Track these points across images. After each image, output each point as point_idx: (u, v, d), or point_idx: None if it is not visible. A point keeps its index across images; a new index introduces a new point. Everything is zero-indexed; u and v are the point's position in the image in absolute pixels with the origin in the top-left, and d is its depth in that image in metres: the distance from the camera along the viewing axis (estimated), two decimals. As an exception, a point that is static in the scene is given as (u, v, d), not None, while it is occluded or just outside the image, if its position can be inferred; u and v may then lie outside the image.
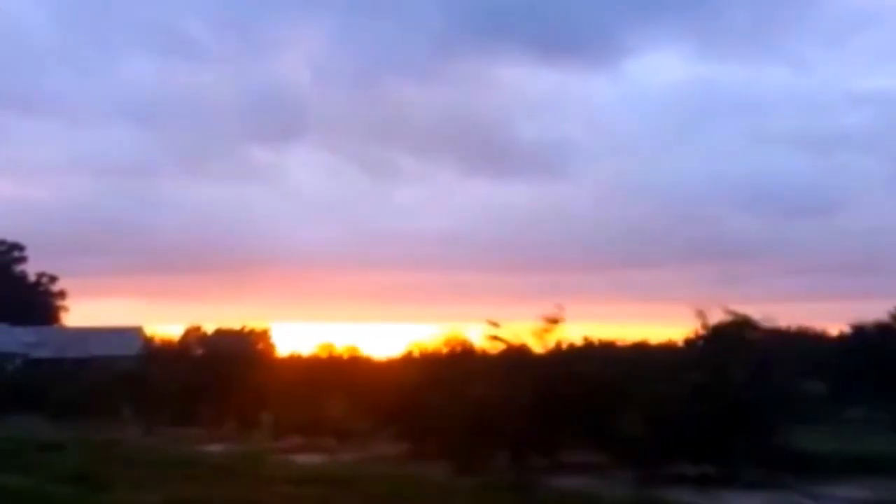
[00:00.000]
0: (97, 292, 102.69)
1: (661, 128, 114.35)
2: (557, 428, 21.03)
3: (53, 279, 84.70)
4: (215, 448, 27.26)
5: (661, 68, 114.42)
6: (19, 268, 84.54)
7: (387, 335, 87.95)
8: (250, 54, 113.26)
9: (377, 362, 42.39)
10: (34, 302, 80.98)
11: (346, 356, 40.51)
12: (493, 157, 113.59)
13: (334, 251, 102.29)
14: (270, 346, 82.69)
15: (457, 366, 24.99)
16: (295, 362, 39.76)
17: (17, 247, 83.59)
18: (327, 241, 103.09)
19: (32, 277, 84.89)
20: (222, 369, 33.04)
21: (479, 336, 34.11)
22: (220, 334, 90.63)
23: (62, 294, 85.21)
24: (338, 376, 35.70)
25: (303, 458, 24.05)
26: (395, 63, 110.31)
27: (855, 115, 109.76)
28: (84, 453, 26.11)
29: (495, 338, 22.56)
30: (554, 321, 22.04)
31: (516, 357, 21.99)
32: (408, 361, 35.12)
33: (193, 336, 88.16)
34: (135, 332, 76.23)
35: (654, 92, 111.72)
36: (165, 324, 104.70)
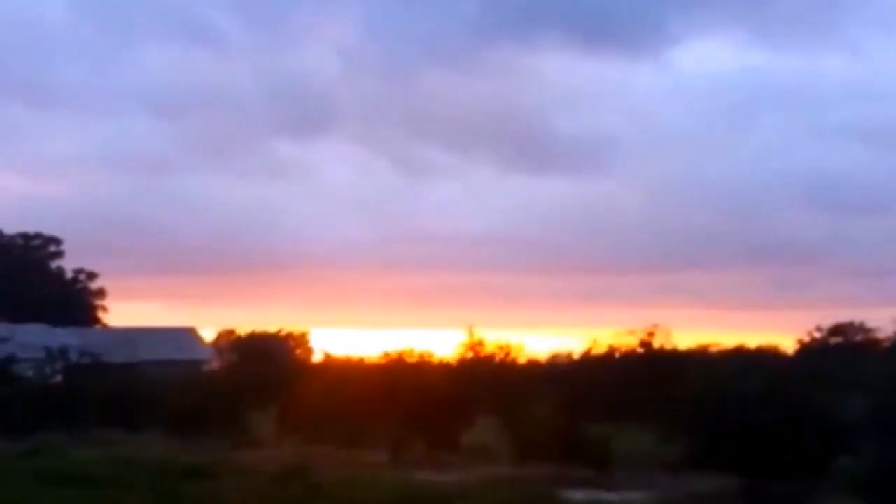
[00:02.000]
0: (116, 294, 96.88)
1: (711, 121, 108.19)
2: None
3: (92, 276, 77.53)
4: (430, 476, 20.34)
5: (709, 57, 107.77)
6: (55, 263, 77.38)
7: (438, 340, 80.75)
8: (277, 44, 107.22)
9: (544, 365, 35.79)
10: (73, 301, 73.88)
11: (500, 358, 33.67)
12: (532, 151, 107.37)
13: (364, 252, 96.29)
14: (309, 352, 76.59)
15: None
16: (442, 368, 32.67)
17: (54, 240, 76.45)
18: (357, 240, 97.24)
19: (69, 274, 77.73)
20: (398, 378, 26.03)
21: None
22: (256, 338, 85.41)
23: (101, 293, 78.06)
24: (523, 384, 29.00)
25: (593, 497, 17.17)
26: (428, 53, 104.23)
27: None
28: (270, 485, 19.24)
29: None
30: None
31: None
32: (599, 363, 28.64)
33: (226, 340, 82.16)
34: (188, 333, 69.68)
35: (703, 83, 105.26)
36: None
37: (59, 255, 77.51)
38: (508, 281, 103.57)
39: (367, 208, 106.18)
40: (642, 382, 23.08)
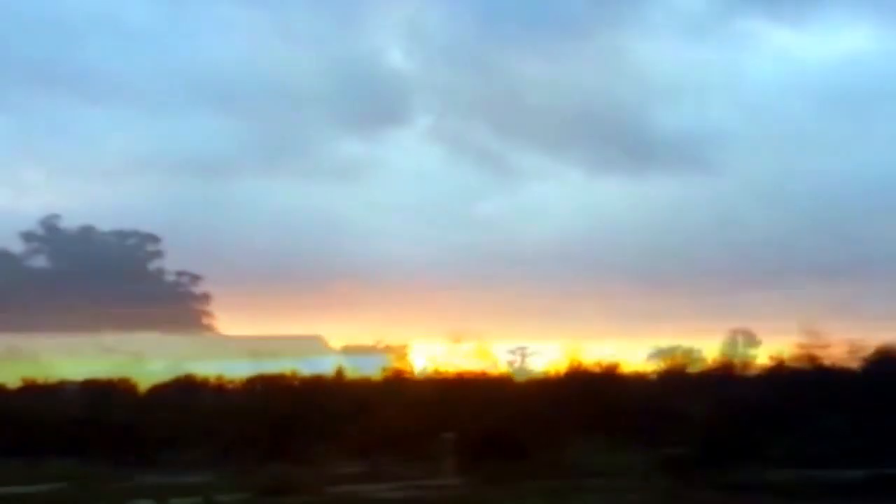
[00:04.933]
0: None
1: (836, 112, 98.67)
2: None
3: (196, 279, 70.43)
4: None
5: (833, 40, 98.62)
6: (154, 264, 70.32)
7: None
8: (343, 29, 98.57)
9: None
10: (177, 306, 66.78)
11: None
12: (632, 149, 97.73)
13: (440, 261, 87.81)
14: (409, 367, 69.99)
15: None
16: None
17: (152, 238, 69.44)
18: (432, 249, 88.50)
19: (171, 276, 70.65)
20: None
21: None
22: (350, 351, 79.37)
23: (206, 297, 70.93)
24: None
25: None
26: (513, 39, 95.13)
27: None
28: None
29: None
30: None
31: None
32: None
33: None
34: (318, 342, 62.50)
35: (827, 69, 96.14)
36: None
37: (157, 254, 70.51)
38: (602, 289, 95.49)
39: (444, 212, 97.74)
40: None
